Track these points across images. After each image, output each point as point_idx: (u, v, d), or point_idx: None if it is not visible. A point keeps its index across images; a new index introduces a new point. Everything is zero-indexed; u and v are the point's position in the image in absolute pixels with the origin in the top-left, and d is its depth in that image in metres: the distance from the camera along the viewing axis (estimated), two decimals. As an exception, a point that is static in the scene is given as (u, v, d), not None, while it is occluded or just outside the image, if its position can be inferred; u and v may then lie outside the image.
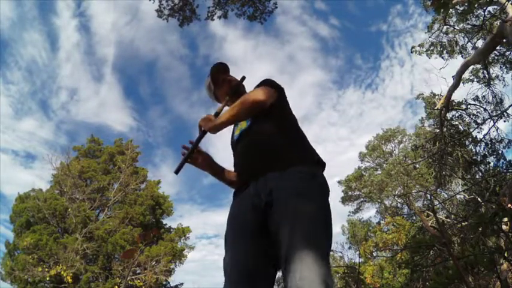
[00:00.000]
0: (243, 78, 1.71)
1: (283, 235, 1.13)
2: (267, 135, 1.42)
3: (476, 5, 7.12)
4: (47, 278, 12.40)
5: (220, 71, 1.73)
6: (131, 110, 38.06)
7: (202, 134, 1.49)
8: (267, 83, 1.57)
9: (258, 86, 1.58)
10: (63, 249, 12.73)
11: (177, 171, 1.52)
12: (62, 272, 12.27)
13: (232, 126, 1.64)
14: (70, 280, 12.39)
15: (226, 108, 1.61)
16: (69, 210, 13.90)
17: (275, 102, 1.48)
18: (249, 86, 1.71)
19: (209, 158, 1.59)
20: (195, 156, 1.54)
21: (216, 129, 1.42)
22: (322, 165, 1.42)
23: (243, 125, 1.56)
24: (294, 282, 1.01)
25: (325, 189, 1.31)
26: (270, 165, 1.32)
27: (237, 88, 1.67)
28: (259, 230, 1.25)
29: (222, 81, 1.71)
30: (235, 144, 1.58)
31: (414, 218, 15.58)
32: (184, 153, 1.53)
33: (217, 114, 1.53)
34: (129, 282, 13.00)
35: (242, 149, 1.50)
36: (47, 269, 12.46)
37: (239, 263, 1.24)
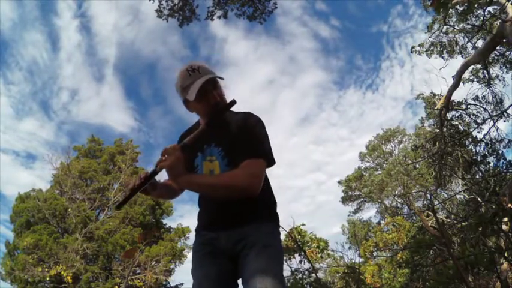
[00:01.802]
0: (233, 102, 1.35)
1: (246, 266, 1.26)
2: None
3: (476, 5, 7.12)
4: (47, 278, 12.41)
5: (215, 84, 1.40)
6: (132, 110, 38.10)
7: (158, 171, 1.28)
8: (262, 147, 1.34)
9: (250, 141, 1.32)
10: (63, 249, 12.74)
11: (117, 207, 1.43)
12: (62, 272, 12.28)
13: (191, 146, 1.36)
14: (70, 280, 12.40)
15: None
16: (69, 210, 13.91)
17: None
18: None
19: (156, 191, 1.42)
20: (148, 189, 1.38)
21: (180, 186, 1.43)
22: (278, 221, 1.50)
23: (215, 168, 1.38)
24: None
25: (280, 241, 1.47)
26: (244, 220, 1.35)
27: (221, 115, 1.39)
28: (231, 273, 1.35)
29: (205, 96, 1.35)
30: None
31: (414, 218, 15.58)
32: (133, 188, 1.32)
33: (185, 147, 1.29)
34: (129, 282, 13.00)
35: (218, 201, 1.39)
36: (47, 269, 12.46)
37: (210, 277, 1.33)
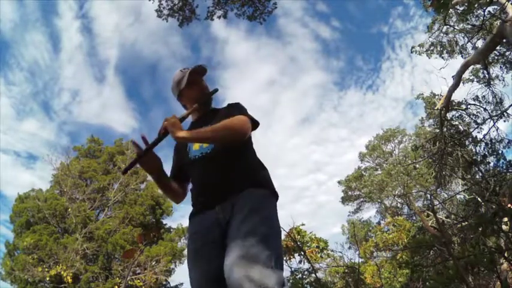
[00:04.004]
0: (216, 90, 1.67)
1: (228, 246, 1.23)
2: (233, 162, 1.45)
3: (476, 5, 7.12)
4: (47, 278, 12.40)
5: (200, 73, 1.69)
6: (133, 111, 38.09)
7: (163, 136, 1.42)
8: (246, 113, 1.55)
9: (235, 109, 1.56)
10: (63, 249, 12.74)
11: (125, 171, 1.52)
12: (62, 272, 12.27)
13: None
14: (70, 280, 12.40)
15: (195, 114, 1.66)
16: (69, 210, 13.90)
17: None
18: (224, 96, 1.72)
19: (160, 163, 1.54)
20: (146, 160, 1.46)
21: (183, 140, 1.41)
22: (276, 196, 1.50)
23: (204, 145, 1.53)
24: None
25: (275, 211, 1.42)
26: (234, 189, 1.39)
27: (208, 99, 1.67)
28: (222, 243, 1.30)
29: (196, 84, 1.65)
30: (192, 161, 1.53)
31: (414, 218, 15.58)
32: (139, 152, 1.44)
33: (182, 119, 1.48)
34: (129, 282, 13.00)
35: (206, 171, 1.47)
36: (47, 269, 12.46)
37: (206, 273, 1.32)
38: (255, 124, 1.56)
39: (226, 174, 1.43)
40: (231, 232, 1.27)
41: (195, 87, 1.65)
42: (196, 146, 1.54)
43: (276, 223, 1.37)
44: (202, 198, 1.48)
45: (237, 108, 1.58)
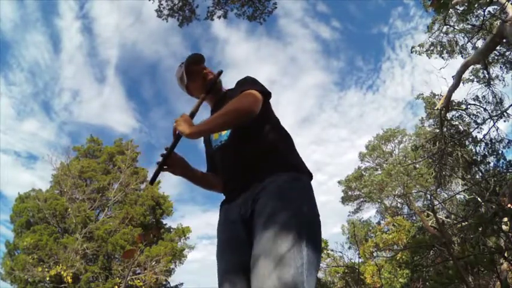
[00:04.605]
0: (220, 72, 1.60)
1: (255, 239, 1.14)
2: (253, 147, 1.36)
3: (476, 5, 7.11)
4: (47, 278, 12.39)
5: (195, 62, 1.61)
6: (133, 111, 38.02)
7: (177, 138, 1.38)
8: (254, 85, 1.43)
9: (242, 85, 1.45)
10: (63, 249, 12.74)
11: (151, 182, 1.43)
12: (62, 272, 12.27)
13: None
14: (70, 280, 12.39)
15: (207, 105, 1.58)
16: (69, 210, 13.90)
17: (262, 108, 1.36)
18: (228, 80, 1.65)
19: (185, 163, 1.49)
20: (171, 163, 1.42)
21: (196, 136, 1.32)
22: (307, 173, 1.38)
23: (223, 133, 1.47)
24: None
25: (307, 195, 1.27)
26: (254, 178, 1.30)
27: (213, 84, 1.57)
28: (248, 240, 1.22)
29: (196, 74, 1.59)
30: (214, 151, 1.51)
31: (414, 218, 15.58)
32: (159, 162, 1.40)
33: (193, 114, 1.42)
34: (129, 282, 13.00)
35: (225, 161, 1.44)
36: (47, 269, 12.45)
37: (229, 273, 1.26)
38: (265, 95, 1.42)
39: (243, 163, 1.36)
40: (255, 233, 1.15)
41: (197, 78, 1.59)
42: (215, 135, 1.50)
43: (308, 213, 1.20)
44: (226, 188, 1.46)
45: (244, 84, 1.47)
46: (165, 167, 1.41)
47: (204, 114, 1.64)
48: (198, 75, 1.59)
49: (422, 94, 12.02)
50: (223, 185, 1.49)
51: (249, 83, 1.46)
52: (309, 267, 1.06)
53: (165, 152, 1.40)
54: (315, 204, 1.27)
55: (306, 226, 1.15)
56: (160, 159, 1.40)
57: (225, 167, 1.45)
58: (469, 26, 9.16)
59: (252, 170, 1.33)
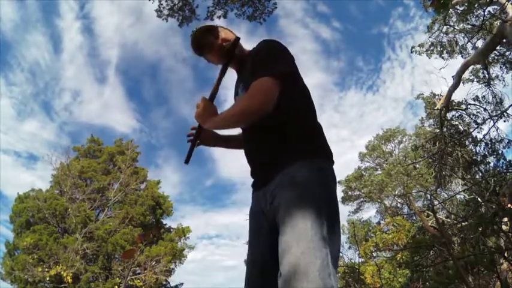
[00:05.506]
0: (237, 40, 1.48)
1: (280, 229, 1.10)
2: (268, 133, 1.29)
3: (476, 5, 7.12)
4: (47, 278, 12.40)
5: (203, 35, 1.50)
6: (134, 111, 37.95)
7: (200, 127, 1.46)
8: (272, 67, 1.26)
9: (261, 65, 1.28)
10: (63, 249, 12.74)
11: (187, 160, 1.48)
12: (62, 272, 12.27)
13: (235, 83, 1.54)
14: (70, 280, 12.39)
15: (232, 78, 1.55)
16: (69, 210, 13.90)
17: (280, 92, 1.24)
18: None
19: (216, 133, 1.56)
20: (203, 137, 1.51)
21: (212, 129, 1.38)
22: (328, 156, 1.30)
23: None
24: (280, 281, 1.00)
25: (326, 179, 1.21)
26: (276, 168, 1.23)
27: (231, 53, 1.45)
28: (270, 230, 1.19)
29: (208, 47, 1.49)
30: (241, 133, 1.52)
31: (414, 218, 15.58)
32: (190, 139, 1.49)
33: (212, 97, 1.40)
34: (129, 282, 13.01)
35: (247, 147, 1.41)
36: (47, 269, 12.46)
37: (255, 263, 1.27)
38: (284, 77, 1.27)
39: (263, 150, 1.30)
40: (278, 227, 1.11)
41: (212, 51, 1.49)
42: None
43: (321, 196, 1.13)
44: (251, 175, 1.41)
45: (263, 62, 1.29)
46: (198, 141, 1.49)
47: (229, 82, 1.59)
48: (211, 47, 1.49)
49: (422, 94, 12.04)
50: (248, 162, 1.44)
51: (268, 62, 1.29)
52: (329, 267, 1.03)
53: (191, 131, 1.50)
54: (330, 187, 1.21)
55: (322, 209, 1.10)
56: (188, 138, 1.50)
57: (248, 154, 1.41)
58: (469, 26, 9.17)
59: (272, 160, 1.26)
